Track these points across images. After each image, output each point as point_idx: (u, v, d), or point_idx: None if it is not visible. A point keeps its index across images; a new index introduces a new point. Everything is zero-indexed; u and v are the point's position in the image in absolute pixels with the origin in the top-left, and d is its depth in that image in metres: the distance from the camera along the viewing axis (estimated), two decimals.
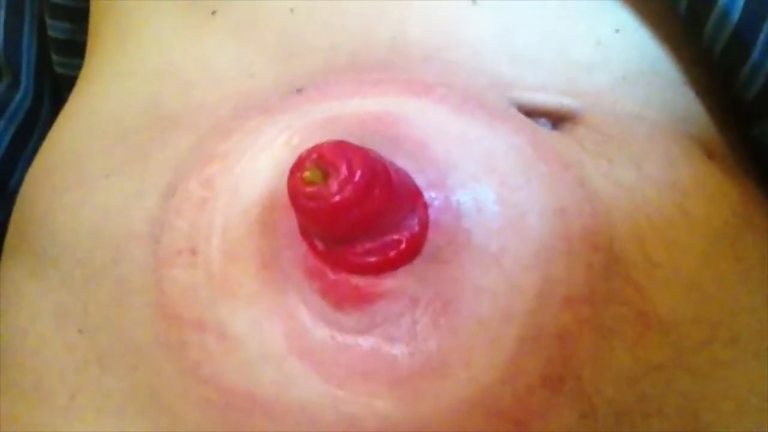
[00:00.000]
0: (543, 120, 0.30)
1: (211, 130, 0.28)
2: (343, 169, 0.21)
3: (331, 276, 0.24)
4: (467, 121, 0.27)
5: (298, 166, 0.22)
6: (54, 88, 0.49)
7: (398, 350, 0.24)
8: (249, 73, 0.31)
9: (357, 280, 0.24)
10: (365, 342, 0.24)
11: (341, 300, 0.24)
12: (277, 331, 0.24)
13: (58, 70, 0.47)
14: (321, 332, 0.24)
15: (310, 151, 0.22)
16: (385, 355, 0.24)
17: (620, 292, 0.25)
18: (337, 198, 0.21)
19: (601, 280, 0.25)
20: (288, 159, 0.26)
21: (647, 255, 0.26)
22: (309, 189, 0.21)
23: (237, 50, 0.31)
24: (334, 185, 0.21)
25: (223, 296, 0.25)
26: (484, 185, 0.25)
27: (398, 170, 0.24)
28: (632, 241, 0.26)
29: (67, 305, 0.27)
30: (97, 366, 0.26)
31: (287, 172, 0.24)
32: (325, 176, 0.21)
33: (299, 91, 0.29)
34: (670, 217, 0.27)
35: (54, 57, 0.46)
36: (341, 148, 0.22)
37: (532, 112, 0.30)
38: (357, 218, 0.22)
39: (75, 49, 0.45)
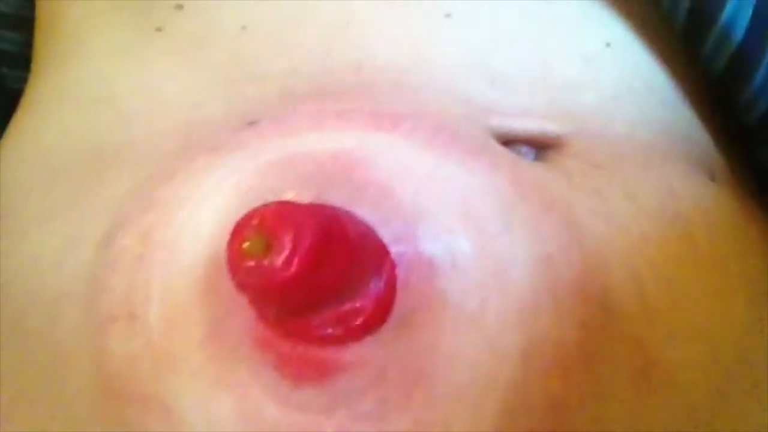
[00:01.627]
0: (525, 149, 0.27)
1: (152, 170, 0.25)
2: (288, 240, 0.18)
3: (286, 347, 0.21)
4: (439, 158, 0.24)
5: (236, 234, 0.19)
6: (7, 106, 0.45)
7: (367, 431, 0.21)
8: (196, 102, 0.27)
9: (315, 351, 0.21)
10: (327, 422, 0.21)
11: (298, 374, 0.21)
12: (226, 410, 0.21)
13: (12, 85, 0.43)
14: (276, 411, 0.21)
15: (249, 216, 0.19)
16: None
17: (617, 349, 0.22)
18: (281, 274, 0.18)
19: (594, 338, 0.22)
20: (235, 209, 0.23)
21: (647, 301, 0.23)
22: (249, 263, 0.18)
23: (183, 75, 0.28)
24: (277, 259, 0.18)
25: (166, 369, 0.22)
26: (459, 235, 0.22)
27: (360, 225, 0.21)
28: (629, 286, 0.23)
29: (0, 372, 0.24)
30: None
31: (232, 225, 0.21)
32: (268, 247, 0.18)
33: (252, 124, 0.26)
34: (671, 254, 0.24)
35: (5, 71, 0.43)
36: (286, 212, 0.18)
37: (512, 140, 0.27)
38: (308, 293, 0.19)
39: (28, 62, 0.41)
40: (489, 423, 0.21)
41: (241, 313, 0.21)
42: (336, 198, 0.22)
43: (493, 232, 0.22)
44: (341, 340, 0.21)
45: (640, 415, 0.21)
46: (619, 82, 0.29)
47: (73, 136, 0.28)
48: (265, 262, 0.18)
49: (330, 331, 0.21)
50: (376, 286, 0.21)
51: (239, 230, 0.19)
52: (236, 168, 0.24)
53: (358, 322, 0.21)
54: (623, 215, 0.24)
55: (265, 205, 0.19)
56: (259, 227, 0.18)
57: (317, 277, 0.19)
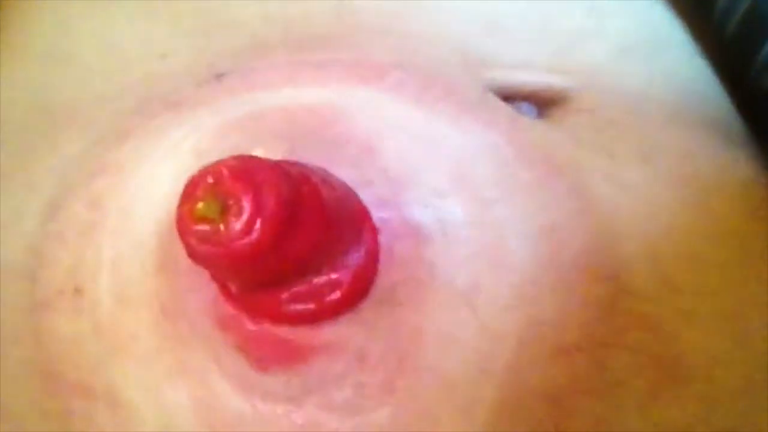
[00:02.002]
0: (526, 105, 0.24)
1: (106, 130, 0.22)
2: (248, 201, 0.15)
3: (251, 326, 0.18)
4: (429, 114, 0.21)
5: (188, 194, 0.16)
6: None
7: (341, 422, 0.18)
8: (160, 52, 0.24)
9: (285, 332, 0.18)
10: (297, 413, 0.18)
11: (264, 358, 0.18)
12: (182, 399, 0.18)
13: None
14: (239, 401, 0.18)
15: (204, 172, 0.16)
16: (323, 426, 0.18)
17: (629, 334, 0.19)
18: (239, 241, 0.15)
19: (603, 320, 0.19)
20: (191, 170, 0.20)
21: (665, 278, 0.20)
22: (200, 227, 0.15)
23: (145, 24, 0.25)
24: (235, 223, 0.15)
25: (113, 352, 0.19)
26: (451, 201, 0.19)
27: (338, 186, 0.18)
28: (644, 261, 0.20)
29: None
30: None
31: None
32: (224, 210, 0.15)
33: (219, 77, 0.23)
34: (690, 225, 0.21)
35: None
36: (247, 167, 0.15)
37: (512, 96, 0.24)
38: (274, 264, 0.16)
39: None
40: (481, 415, 0.18)
41: (200, 289, 0.19)
42: (311, 156, 0.19)
43: (490, 197, 0.20)
44: (314, 318, 0.18)
45: (653, 408, 0.19)
46: (630, 33, 0.26)
47: (25, 92, 0.25)
48: (221, 227, 0.15)
49: (301, 307, 0.18)
50: (355, 256, 0.18)
51: (191, 189, 0.16)
52: (196, 126, 0.21)
53: (333, 297, 0.18)
54: (637, 180, 0.21)
55: (223, 160, 0.16)
56: (215, 186, 0.15)
57: (284, 245, 0.16)
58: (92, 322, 0.19)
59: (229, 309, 0.19)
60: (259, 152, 0.20)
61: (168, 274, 0.19)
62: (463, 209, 0.19)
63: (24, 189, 0.22)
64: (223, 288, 0.18)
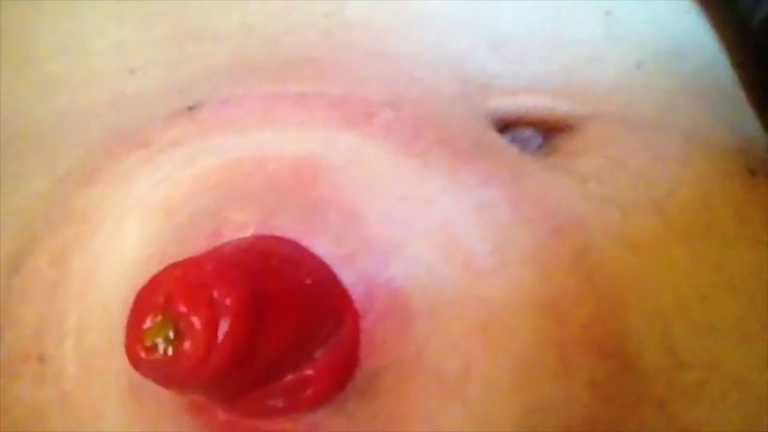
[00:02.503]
0: (529, 133, 0.22)
1: (71, 167, 0.20)
2: (198, 323, 0.13)
3: (222, 415, 0.17)
4: (420, 167, 0.19)
5: (135, 317, 0.14)
6: None
7: None
8: (129, 66, 0.22)
9: (259, 422, 0.17)
10: None
11: None
12: None
13: None
14: None
15: (148, 289, 0.14)
16: None
17: (636, 417, 0.17)
18: (197, 369, 0.13)
19: (607, 403, 0.17)
20: (162, 235, 0.18)
21: (673, 351, 0.18)
22: (154, 357, 0.14)
23: (116, 27, 0.23)
24: (189, 350, 0.14)
25: (80, 428, 0.18)
26: (442, 273, 0.18)
27: (316, 270, 0.16)
28: (652, 334, 0.18)
29: None
30: None
31: (156, 258, 0.16)
32: (178, 335, 0.14)
33: (191, 109, 0.20)
34: (706, 288, 0.19)
35: None
36: (200, 282, 0.14)
37: (516, 123, 0.22)
38: (237, 380, 0.14)
39: None
40: None
41: None
42: (287, 225, 0.18)
43: (485, 268, 0.18)
44: (289, 413, 0.17)
45: None
46: (648, 43, 0.23)
47: None
48: (172, 354, 0.14)
49: (274, 403, 0.16)
50: (332, 344, 0.17)
51: (138, 311, 0.14)
52: (168, 176, 0.19)
53: (307, 393, 0.16)
54: (648, 236, 0.19)
55: (170, 270, 0.14)
56: (164, 307, 0.14)
57: (249, 356, 0.14)
58: (58, 393, 0.18)
59: (199, 395, 0.17)
60: (231, 217, 0.18)
61: None
62: (455, 283, 0.18)
63: None
64: None
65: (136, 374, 0.17)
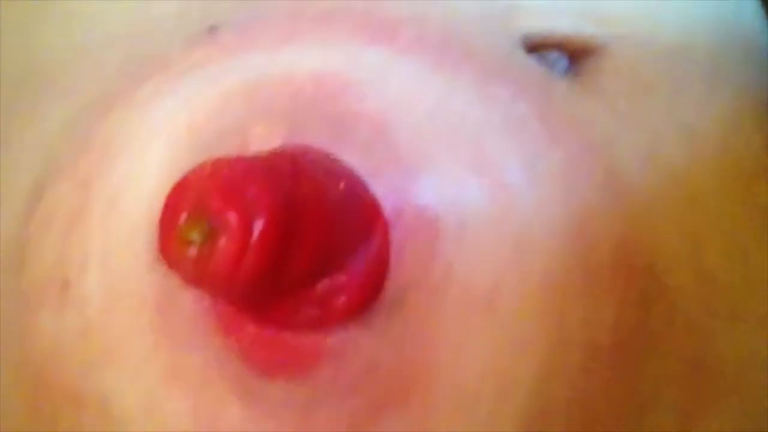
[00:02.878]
0: (556, 55, 0.22)
1: (92, 97, 0.20)
2: (236, 219, 0.13)
3: (253, 330, 0.17)
4: (448, 82, 0.19)
5: (169, 213, 0.14)
6: None
7: None
8: None
9: (290, 337, 0.17)
10: (303, 424, 0.17)
11: (268, 364, 0.17)
12: (179, 405, 0.17)
13: None
14: (240, 408, 0.17)
15: (182, 186, 0.14)
16: None
17: (665, 336, 0.17)
18: (229, 268, 0.13)
19: (637, 322, 0.17)
20: (186, 154, 0.18)
21: (703, 272, 0.18)
22: (188, 253, 0.13)
23: None
24: (225, 247, 0.13)
25: (104, 355, 0.18)
26: (471, 187, 0.17)
27: (345, 179, 0.16)
28: (682, 254, 0.18)
29: None
30: None
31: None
32: (213, 232, 0.13)
33: (212, 30, 0.20)
34: (732, 212, 0.19)
35: None
36: (234, 181, 0.13)
37: (542, 45, 0.21)
38: (272, 281, 0.14)
39: None
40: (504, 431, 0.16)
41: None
42: (315, 137, 0.17)
43: (515, 183, 0.17)
44: (320, 324, 0.16)
45: (688, 418, 0.17)
46: None
47: (7, 47, 0.23)
48: (208, 250, 0.13)
49: (307, 313, 0.16)
50: (364, 255, 0.16)
51: (172, 207, 0.14)
52: (191, 96, 0.18)
53: (340, 302, 0.16)
54: (677, 158, 0.19)
55: (203, 168, 0.14)
56: (198, 204, 0.13)
57: (283, 258, 0.14)
58: (81, 320, 0.18)
59: (228, 312, 0.17)
60: (258, 131, 0.18)
61: (162, 271, 0.17)
62: (486, 198, 0.17)
63: (8, 166, 0.20)
64: None
65: (163, 295, 0.17)
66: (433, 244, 0.17)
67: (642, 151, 0.19)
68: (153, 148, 0.18)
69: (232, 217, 0.13)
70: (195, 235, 0.14)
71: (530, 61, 0.20)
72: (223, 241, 0.14)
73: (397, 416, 0.17)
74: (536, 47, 0.21)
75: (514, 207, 0.17)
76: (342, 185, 0.16)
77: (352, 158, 0.17)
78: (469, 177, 0.17)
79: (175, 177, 0.17)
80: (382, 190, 0.17)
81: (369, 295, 0.16)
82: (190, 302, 0.17)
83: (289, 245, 0.14)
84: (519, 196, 0.17)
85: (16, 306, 0.18)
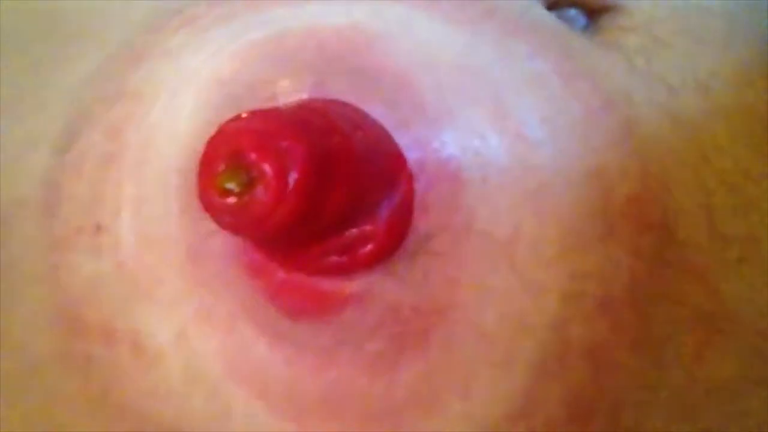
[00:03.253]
0: (574, 12, 0.22)
1: (119, 47, 0.20)
2: (273, 169, 0.14)
3: (281, 274, 0.17)
4: (469, 37, 0.19)
5: (207, 163, 0.14)
6: None
7: (372, 377, 0.17)
8: None
9: (316, 281, 0.17)
10: (328, 364, 0.17)
11: (295, 307, 0.18)
12: (209, 345, 0.18)
13: None
14: (267, 349, 0.18)
15: (220, 137, 0.14)
16: (354, 381, 0.17)
17: (676, 286, 0.18)
18: (269, 214, 0.14)
19: (650, 272, 0.18)
20: (215, 103, 0.18)
21: (714, 226, 0.19)
22: (227, 201, 0.14)
23: None
24: (261, 198, 0.14)
25: (137, 295, 0.18)
26: (492, 141, 0.18)
27: (372, 131, 0.17)
28: (694, 208, 0.19)
29: None
30: None
31: (213, 124, 0.17)
32: (249, 182, 0.14)
33: None
34: (745, 167, 0.19)
35: None
36: (268, 132, 0.14)
37: (560, 2, 0.22)
38: (304, 228, 0.15)
39: None
40: (520, 372, 0.17)
41: (228, 233, 0.18)
42: (340, 89, 0.18)
43: (534, 138, 0.18)
44: (347, 270, 0.17)
45: (699, 364, 0.18)
46: None
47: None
48: (246, 199, 0.14)
49: (333, 259, 0.17)
50: (389, 204, 0.17)
51: (210, 159, 0.14)
52: (216, 50, 0.19)
53: (366, 250, 0.17)
54: (693, 114, 0.19)
55: (238, 121, 0.14)
56: (235, 155, 0.14)
57: (315, 208, 0.15)
58: (114, 262, 0.19)
59: (257, 256, 0.18)
60: (285, 84, 0.18)
61: (194, 216, 0.18)
62: (506, 151, 0.18)
63: (35, 114, 0.20)
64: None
65: (194, 239, 0.18)
66: (455, 195, 0.18)
67: (658, 106, 0.19)
68: (183, 99, 0.19)
69: (268, 168, 0.14)
70: (233, 185, 0.14)
71: (549, 18, 0.21)
72: (260, 191, 0.14)
73: (418, 357, 0.17)
74: (555, 4, 0.22)
75: (533, 160, 0.18)
76: (367, 138, 0.17)
77: (376, 111, 0.18)
78: (490, 130, 0.18)
79: (206, 127, 0.18)
80: (406, 142, 0.18)
81: (394, 242, 0.17)
82: (219, 247, 0.18)
83: (321, 194, 0.15)
84: (538, 149, 0.18)
85: (47, 248, 0.19)
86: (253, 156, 0.14)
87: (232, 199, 0.14)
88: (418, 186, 0.17)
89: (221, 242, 0.18)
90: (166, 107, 0.19)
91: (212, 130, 0.18)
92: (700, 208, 0.19)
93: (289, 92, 0.18)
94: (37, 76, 0.21)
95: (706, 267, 0.18)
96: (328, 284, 0.18)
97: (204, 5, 0.20)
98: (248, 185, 0.14)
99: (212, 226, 0.18)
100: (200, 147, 0.18)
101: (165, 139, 0.19)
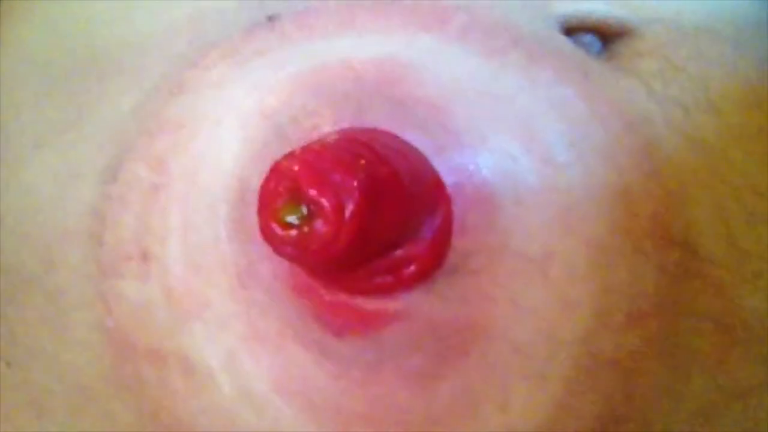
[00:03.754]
0: (589, 38, 0.23)
1: (159, 81, 0.21)
2: (329, 207, 0.15)
3: (326, 296, 0.18)
4: (497, 66, 0.20)
5: (267, 198, 0.15)
6: None
7: (414, 391, 0.18)
8: None
9: (360, 301, 0.18)
10: (372, 379, 0.18)
11: (340, 325, 0.19)
12: (258, 364, 0.19)
13: None
14: (315, 366, 0.19)
15: (276, 175, 0.15)
16: (397, 396, 0.18)
17: (699, 299, 0.19)
18: (328, 245, 0.15)
19: (675, 286, 0.19)
20: (260, 135, 0.19)
21: (733, 241, 0.20)
22: (289, 234, 0.15)
23: None
24: (321, 228, 0.15)
25: (186, 318, 0.19)
26: (524, 164, 0.19)
27: (412, 158, 0.18)
28: (713, 224, 0.20)
29: None
30: (32, 410, 0.20)
31: (260, 156, 0.18)
32: (307, 216, 0.15)
33: (270, 19, 0.21)
34: (759, 183, 0.20)
35: None
36: (322, 168, 0.15)
37: (576, 28, 0.23)
38: (357, 254, 0.16)
39: None
40: (554, 385, 0.18)
41: (274, 257, 0.18)
42: (379, 119, 0.19)
43: (562, 161, 0.19)
44: (390, 291, 0.18)
45: (719, 372, 0.19)
46: None
47: (65, 33, 0.24)
48: (306, 231, 0.15)
49: (379, 280, 0.18)
50: (430, 227, 0.18)
51: (269, 194, 0.15)
52: (258, 82, 0.20)
53: (410, 270, 0.18)
54: (707, 133, 0.21)
55: (292, 157, 0.16)
56: (294, 191, 0.15)
57: (368, 237, 0.16)
58: (162, 288, 0.19)
59: (304, 278, 0.19)
60: (327, 115, 0.19)
61: (241, 242, 0.19)
62: (536, 174, 0.19)
63: (79, 147, 0.21)
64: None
65: (243, 264, 0.19)
66: (491, 216, 0.19)
67: (675, 128, 0.20)
68: (226, 130, 0.20)
69: (326, 202, 0.15)
70: (293, 218, 0.15)
71: (570, 45, 0.22)
72: (319, 224, 0.15)
73: (458, 371, 0.18)
74: (571, 30, 0.23)
75: (562, 181, 0.19)
76: (411, 164, 0.18)
77: (413, 138, 0.19)
78: (521, 155, 0.19)
79: (253, 157, 0.19)
80: (444, 167, 0.19)
81: (436, 262, 0.18)
82: (266, 271, 0.19)
83: (371, 224, 0.16)
84: (566, 171, 0.19)
85: (95, 275, 0.20)
86: (312, 192, 0.15)
87: (293, 232, 0.15)
88: (456, 209, 0.18)
89: (269, 267, 0.19)
90: (209, 138, 0.20)
91: (259, 161, 0.19)
92: (719, 224, 0.20)
93: (330, 122, 0.19)
94: (76, 111, 0.22)
95: (725, 281, 0.19)
96: (372, 303, 0.18)
97: (238, 39, 0.21)
98: (307, 218, 0.15)
99: (260, 251, 0.19)
100: (247, 177, 0.19)
101: (210, 170, 0.20)
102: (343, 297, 0.18)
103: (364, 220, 0.15)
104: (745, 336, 0.19)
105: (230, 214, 0.19)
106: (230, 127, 0.20)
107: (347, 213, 0.15)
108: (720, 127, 0.21)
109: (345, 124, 0.19)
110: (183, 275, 0.19)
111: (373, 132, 0.18)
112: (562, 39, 0.22)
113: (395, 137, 0.18)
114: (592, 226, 0.19)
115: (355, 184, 0.15)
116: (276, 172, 0.16)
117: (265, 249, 0.18)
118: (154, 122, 0.20)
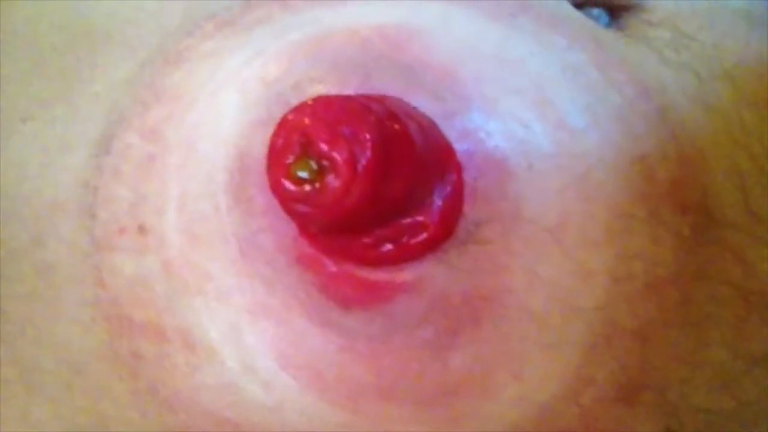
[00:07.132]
0: (597, 11, 0.23)
1: (153, 52, 0.21)
2: (342, 161, 0.14)
3: (332, 267, 0.18)
4: (506, 31, 0.19)
5: (276, 154, 0.15)
6: None
7: (425, 362, 0.18)
8: None
9: (367, 272, 0.18)
10: (381, 351, 0.18)
11: (347, 297, 0.18)
12: (262, 337, 0.18)
13: None
14: (321, 339, 0.18)
15: (285, 128, 0.15)
16: (407, 367, 0.18)
17: (716, 265, 0.19)
18: (339, 202, 0.14)
19: (692, 252, 0.18)
20: (261, 103, 0.19)
21: (749, 207, 0.19)
22: (300, 190, 0.14)
23: None
24: (334, 184, 0.14)
25: (185, 292, 0.18)
26: (537, 131, 0.18)
27: (422, 121, 0.17)
28: (730, 190, 0.19)
29: None
30: (22, 388, 0.19)
31: (261, 122, 0.17)
32: (319, 170, 0.14)
33: None
34: None
35: None
36: (334, 119, 0.14)
37: (584, 2, 0.22)
38: (368, 214, 0.15)
39: None
40: (570, 354, 0.18)
41: (278, 228, 0.18)
42: (387, 85, 0.18)
43: (576, 126, 0.18)
44: (397, 260, 0.17)
45: (738, 337, 0.18)
46: None
47: (54, 8, 0.23)
48: (318, 186, 0.14)
49: (387, 249, 0.17)
50: (440, 194, 0.17)
51: (279, 149, 0.15)
52: (258, 50, 0.19)
53: (420, 239, 0.17)
54: (721, 100, 0.20)
55: (303, 109, 0.15)
56: (304, 144, 0.14)
57: (379, 195, 0.15)
58: (160, 261, 0.19)
59: (308, 248, 0.18)
60: (332, 82, 0.18)
61: (243, 212, 0.18)
62: (550, 140, 0.18)
63: (69, 118, 0.21)
64: (303, 230, 0.18)
65: (245, 235, 0.18)
66: (503, 183, 0.18)
67: (690, 94, 0.20)
68: (226, 99, 0.19)
69: (338, 156, 0.14)
70: (305, 173, 0.15)
71: (579, 15, 0.21)
72: (331, 178, 0.15)
73: (470, 341, 0.18)
74: (578, 5, 0.22)
75: (576, 147, 0.18)
76: (421, 127, 0.17)
77: (423, 103, 0.18)
78: (534, 120, 0.18)
79: (251, 125, 0.18)
80: (454, 133, 0.18)
81: (446, 231, 0.18)
82: (269, 242, 0.18)
83: (383, 182, 0.15)
84: (581, 136, 0.18)
85: (90, 248, 0.19)
86: (323, 146, 0.15)
87: (307, 187, 0.15)
88: (467, 176, 0.18)
89: (272, 237, 0.18)
90: (206, 107, 0.19)
91: (260, 128, 0.18)
92: (735, 189, 0.19)
93: (335, 89, 0.18)
94: (67, 85, 0.22)
95: (742, 245, 0.19)
96: (379, 274, 0.18)
97: (237, 9, 0.21)
98: (319, 173, 0.15)
99: (262, 222, 0.18)
100: (247, 145, 0.18)
101: (208, 139, 0.19)
102: (349, 268, 0.18)
103: (377, 175, 0.15)
104: (763, 301, 0.19)
105: (230, 182, 0.18)
106: (229, 96, 0.19)
107: (360, 167, 0.14)
108: (734, 93, 0.20)
109: (350, 91, 0.18)
110: (181, 247, 0.19)
111: (382, 97, 0.17)
112: (572, 9, 0.21)
113: (404, 102, 0.17)
114: (608, 193, 0.18)
115: (368, 136, 0.15)
116: (285, 126, 0.15)
117: (267, 219, 0.18)
118: (150, 93, 0.20)
